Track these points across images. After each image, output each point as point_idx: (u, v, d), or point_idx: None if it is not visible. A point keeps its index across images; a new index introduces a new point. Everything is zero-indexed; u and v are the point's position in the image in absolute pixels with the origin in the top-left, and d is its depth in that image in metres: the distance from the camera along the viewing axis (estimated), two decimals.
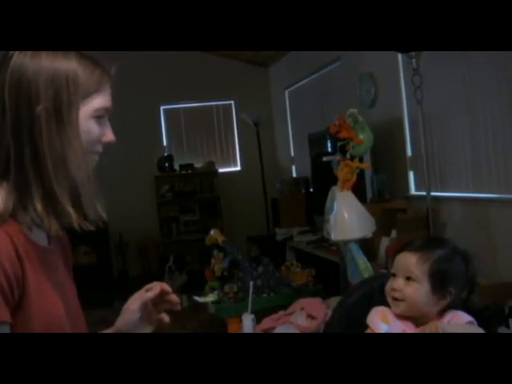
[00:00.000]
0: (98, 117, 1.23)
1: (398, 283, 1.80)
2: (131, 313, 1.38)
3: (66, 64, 1.18)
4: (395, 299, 1.81)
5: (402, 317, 1.81)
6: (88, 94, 1.20)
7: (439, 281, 1.78)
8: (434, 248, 1.83)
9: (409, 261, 1.81)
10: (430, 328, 1.67)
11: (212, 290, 5.11)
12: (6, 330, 1.10)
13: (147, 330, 1.42)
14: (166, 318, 1.42)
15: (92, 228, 1.23)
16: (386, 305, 1.87)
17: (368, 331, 1.84)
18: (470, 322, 1.78)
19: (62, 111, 1.17)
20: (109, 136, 1.26)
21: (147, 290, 1.38)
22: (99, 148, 1.26)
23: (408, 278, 1.79)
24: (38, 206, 1.15)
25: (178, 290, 6.48)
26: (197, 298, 5.07)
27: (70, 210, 1.17)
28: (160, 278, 6.71)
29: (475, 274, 1.89)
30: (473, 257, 1.88)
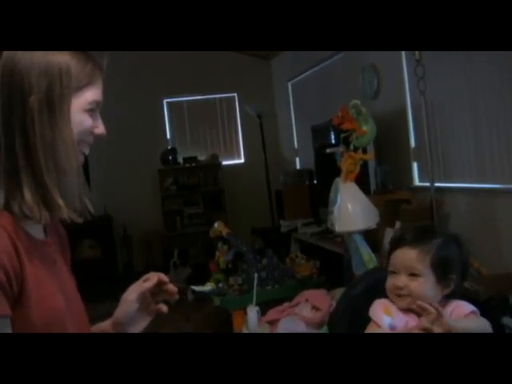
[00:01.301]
0: (90, 110, 1.23)
1: (401, 280, 1.79)
2: (129, 303, 1.38)
3: (59, 57, 1.18)
4: (400, 296, 1.80)
5: (404, 309, 1.81)
6: (80, 87, 1.21)
7: (442, 270, 1.79)
8: (430, 239, 1.83)
9: (409, 257, 1.80)
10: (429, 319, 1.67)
11: (217, 282, 5.12)
12: (6, 323, 1.10)
13: (145, 320, 1.43)
14: (163, 308, 1.42)
15: (80, 221, 1.24)
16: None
17: (371, 324, 1.84)
18: (472, 312, 1.78)
19: (55, 103, 1.17)
20: (100, 128, 1.27)
21: (145, 281, 1.39)
22: (90, 139, 1.27)
23: (411, 274, 1.79)
24: (28, 196, 1.15)
25: (183, 284, 6.50)
26: (194, 288, 5.09)
27: (60, 201, 1.18)
28: (165, 271, 6.68)
29: (468, 258, 1.91)
30: (463, 240, 1.89)
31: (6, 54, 1.17)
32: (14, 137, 1.15)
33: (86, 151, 1.27)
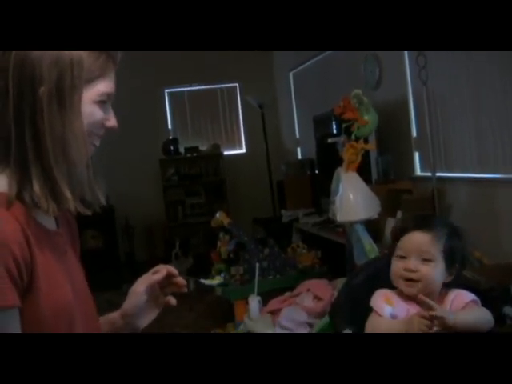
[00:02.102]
0: (102, 102, 1.23)
1: (413, 264, 1.80)
2: (138, 295, 1.39)
3: None
4: (410, 280, 1.80)
5: (405, 298, 1.82)
6: (92, 79, 1.20)
7: (451, 258, 1.80)
8: (440, 226, 1.85)
9: (422, 241, 1.81)
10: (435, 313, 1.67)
11: (218, 272, 5.13)
12: (15, 313, 1.11)
13: (154, 312, 1.44)
14: (172, 300, 1.43)
15: (89, 213, 1.24)
16: (391, 285, 1.87)
17: (372, 314, 1.85)
18: (473, 301, 1.80)
19: (65, 94, 1.17)
20: (112, 121, 1.27)
21: (154, 273, 1.39)
22: (101, 131, 1.27)
23: (423, 259, 1.79)
24: (36, 187, 1.15)
25: (185, 274, 6.52)
26: (203, 281, 5.10)
27: (67, 192, 1.18)
28: (166, 261, 6.74)
29: (467, 249, 1.93)
30: (465, 231, 1.91)
31: None
32: (24, 128, 1.15)
33: (97, 143, 1.27)
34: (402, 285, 1.82)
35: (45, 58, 1.15)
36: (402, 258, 1.83)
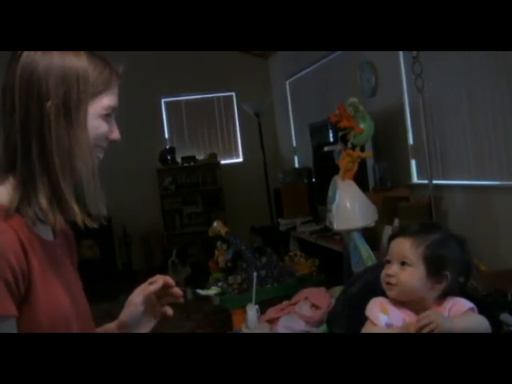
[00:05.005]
0: (106, 115, 1.24)
1: (392, 269, 1.81)
2: (134, 306, 1.39)
3: (77, 62, 1.19)
4: (389, 284, 1.81)
5: (400, 305, 1.81)
6: (97, 93, 1.22)
7: (434, 264, 1.79)
8: (428, 232, 1.84)
9: (403, 246, 1.82)
10: (428, 317, 1.67)
11: (216, 281, 5.13)
12: (12, 323, 1.11)
13: (151, 322, 1.44)
14: (169, 310, 1.43)
15: (95, 225, 1.24)
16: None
17: (367, 323, 1.84)
18: (470, 309, 1.79)
19: (71, 108, 1.18)
20: (115, 133, 1.28)
21: (150, 284, 1.40)
22: (106, 144, 1.28)
23: (403, 263, 1.80)
24: (43, 201, 1.16)
25: (182, 283, 6.51)
26: (200, 292, 5.08)
27: (75, 206, 1.19)
28: (164, 271, 6.73)
29: (471, 259, 1.91)
30: (467, 241, 1.89)
31: (23, 59, 1.17)
32: (31, 142, 1.16)
33: (101, 155, 1.28)
34: (385, 288, 1.84)
35: (51, 74, 1.17)
36: (388, 262, 1.85)
